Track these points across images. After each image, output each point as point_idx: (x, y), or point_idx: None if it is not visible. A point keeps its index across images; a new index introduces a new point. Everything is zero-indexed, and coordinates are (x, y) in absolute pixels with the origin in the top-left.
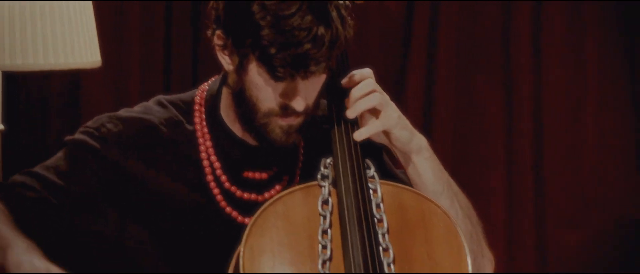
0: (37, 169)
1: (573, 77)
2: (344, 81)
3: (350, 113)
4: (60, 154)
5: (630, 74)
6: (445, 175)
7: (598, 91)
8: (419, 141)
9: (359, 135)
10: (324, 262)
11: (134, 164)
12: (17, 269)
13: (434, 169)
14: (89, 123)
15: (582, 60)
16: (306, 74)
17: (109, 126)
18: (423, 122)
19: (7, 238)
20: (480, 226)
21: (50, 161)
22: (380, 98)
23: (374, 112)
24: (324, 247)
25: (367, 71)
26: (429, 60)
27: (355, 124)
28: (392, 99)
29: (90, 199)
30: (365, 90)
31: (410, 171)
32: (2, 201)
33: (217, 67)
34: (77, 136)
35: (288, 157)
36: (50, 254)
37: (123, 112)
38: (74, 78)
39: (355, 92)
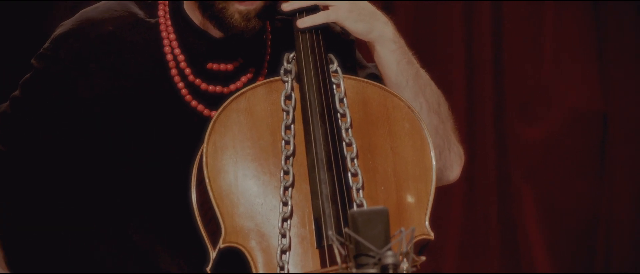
0: (8, 113)
1: None
2: None
3: (286, 6)
4: (28, 81)
5: None
6: (412, 68)
7: None
8: (382, 31)
9: (302, 23)
10: (287, 157)
11: (93, 80)
12: None
13: (399, 61)
14: (48, 44)
15: None
16: None
17: (66, 46)
18: None
19: None
20: (450, 121)
21: (19, 97)
22: None
23: (326, 5)
24: (287, 142)
25: None
26: None
27: None
28: None
29: (63, 121)
30: None
31: (375, 60)
32: None
33: None
34: (39, 64)
35: (253, 49)
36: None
37: (78, 22)
38: None
39: None
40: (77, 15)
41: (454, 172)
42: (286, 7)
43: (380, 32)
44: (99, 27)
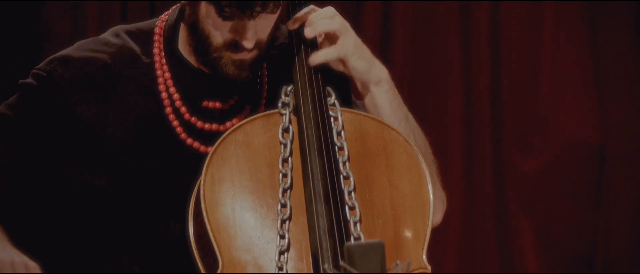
0: None
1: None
2: (304, 10)
3: (309, 32)
4: (13, 100)
5: None
6: (403, 110)
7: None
8: (379, 72)
9: (314, 59)
10: (284, 190)
11: (86, 108)
12: None
13: (391, 102)
14: (42, 64)
15: None
16: (252, 14)
17: (60, 69)
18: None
19: None
20: (435, 166)
21: (6, 112)
22: (340, 23)
23: (332, 38)
24: (285, 175)
25: (329, 7)
26: None
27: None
28: None
29: (46, 146)
30: (326, 14)
31: (367, 101)
32: None
33: None
34: (30, 80)
35: (249, 87)
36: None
37: (76, 50)
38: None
39: (315, 15)
40: (75, 44)
41: (436, 217)
42: (309, 32)
43: (377, 73)
44: (96, 58)
